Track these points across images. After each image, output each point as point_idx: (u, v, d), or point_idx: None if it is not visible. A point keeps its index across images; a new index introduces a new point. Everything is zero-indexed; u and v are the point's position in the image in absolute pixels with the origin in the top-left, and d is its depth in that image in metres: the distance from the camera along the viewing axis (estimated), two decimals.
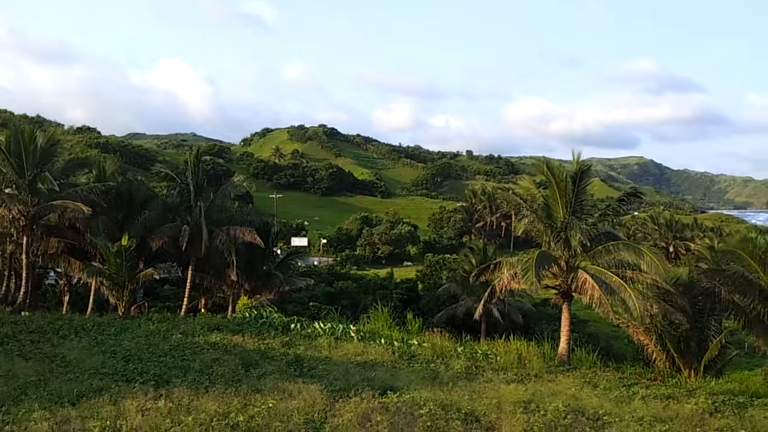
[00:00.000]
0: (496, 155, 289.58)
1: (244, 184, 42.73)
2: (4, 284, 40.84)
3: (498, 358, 20.55)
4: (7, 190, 33.85)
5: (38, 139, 33.68)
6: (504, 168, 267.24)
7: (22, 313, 29.93)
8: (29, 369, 14.67)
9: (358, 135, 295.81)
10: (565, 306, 25.46)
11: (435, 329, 26.81)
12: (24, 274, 33.93)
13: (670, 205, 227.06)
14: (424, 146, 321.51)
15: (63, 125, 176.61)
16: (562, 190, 25.53)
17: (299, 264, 49.26)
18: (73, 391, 11.83)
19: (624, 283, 23.09)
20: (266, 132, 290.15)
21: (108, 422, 8.58)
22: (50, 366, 15.57)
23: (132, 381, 13.70)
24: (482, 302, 29.07)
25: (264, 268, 39.49)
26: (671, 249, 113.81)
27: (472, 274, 31.54)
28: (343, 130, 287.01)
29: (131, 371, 15.30)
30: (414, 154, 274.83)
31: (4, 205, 32.51)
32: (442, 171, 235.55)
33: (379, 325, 26.71)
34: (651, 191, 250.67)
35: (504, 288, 25.96)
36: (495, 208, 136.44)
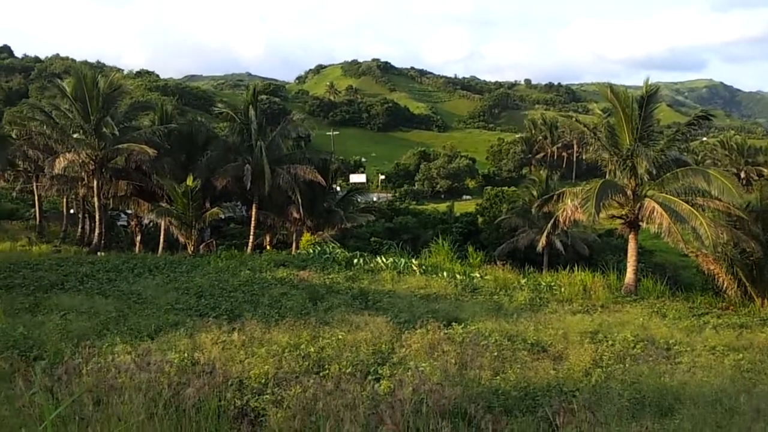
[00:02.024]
0: (555, 83, 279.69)
1: (304, 124, 42.85)
2: (80, 226, 42.86)
3: (562, 289, 20.41)
4: (75, 135, 35.02)
5: (100, 84, 34.48)
6: (564, 96, 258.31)
7: (99, 253, 31.46)
8: (109, 305, 15.42)
9: (412, 68, 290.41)
10: (631, 236, 24.92)
11: (496, 262, 26.74)
12: (97, 216, 35.46)
13: (741, 129, 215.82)
14: (480, 77, 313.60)
15: (123, 70, 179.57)
16: (628, 116, 24.62)
17: (359, 200, 49.66)
18: (151, 326, 12.39)
19: (694, 211, 22.34)
20: (320, 69, 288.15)
21: (186, 354, 8.94)
22: (128, 302, 16.35)
23: (205, 315, 14.22)
24: (545, 234, 28.82)
25: (325, 205, 39.98)
26: (743, 175, 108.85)
27: (534, 206, 31.15)
28: (396, 64, 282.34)
29: (204, 306, 15.92)
30: (470, 86, 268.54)
31: (73, 150, 33.69)
32: (500, 102, 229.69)
33: (441, 259, 26.84)
34: (721, 115, 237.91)
35: (567, 219, 25.56)
36: (556, 138, 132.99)
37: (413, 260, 25.52)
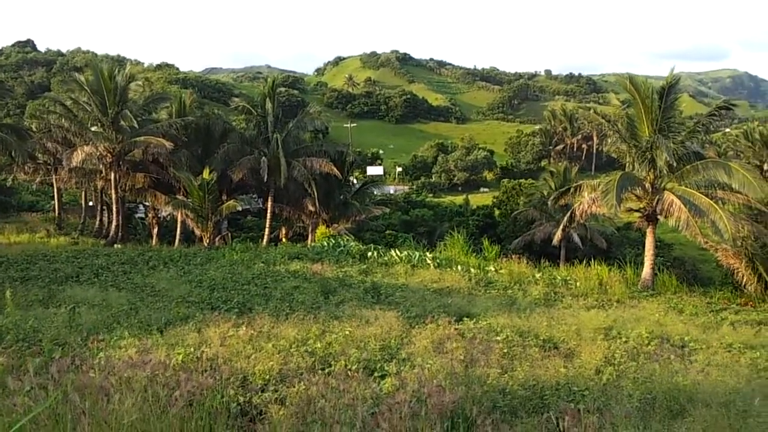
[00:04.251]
0: (576, 74, 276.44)
1: (321, 117, 43.01)
2: (98, 219, 43.27)
3: (578, 284, 20.16)
4: (93, 128, 35.27)
5: (117, 77, 34.62)
6: (585, 87, 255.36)
7: (115, 245, 31.71)
8: (122, 298, 15.47)
9: (431, 59, 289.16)
10: (649, 229, 24.56)
11: (512, 256, 26.51)
12: (114, 209, 35.72)
13: (766, 120, 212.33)
14: (500, 68, 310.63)
15: (143, 63, 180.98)
16: (648, 107, 24.24)
17: (375, 193, 49.54)
18: (162, 319, 12.36)
19: (714, 204, 21.97)
20: (339, 60, 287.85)
21: (192, 349, 8.88)
22: (141, 295, 16.40)
23: (217, 309, 14.19)
24: (561, 227, 28.51)
25: (341, 197, 39.91)
26: (766, 167, 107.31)
27: (551, 198, 30.85)
28: (415, 55, 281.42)
29: (216, 299, 15.90)
30: (489, 76, 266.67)
31: (91, 142, 33.94)
32: (519, 93, 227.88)
33: (456, 252, 26.67)
34: (745, 106, 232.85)
35: (584, 212, 25.28)
36: (576, 130, 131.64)
37: (428, 253, 25.37)
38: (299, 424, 5.51)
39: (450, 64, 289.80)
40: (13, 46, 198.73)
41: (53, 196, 46.99)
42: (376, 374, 8.38)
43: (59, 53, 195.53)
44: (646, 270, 23.52)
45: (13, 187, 54.28)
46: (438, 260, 23.75)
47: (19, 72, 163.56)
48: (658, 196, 23.74)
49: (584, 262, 24.05)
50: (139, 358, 5.75)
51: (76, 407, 4.66)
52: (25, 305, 14.10)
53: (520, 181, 67.31)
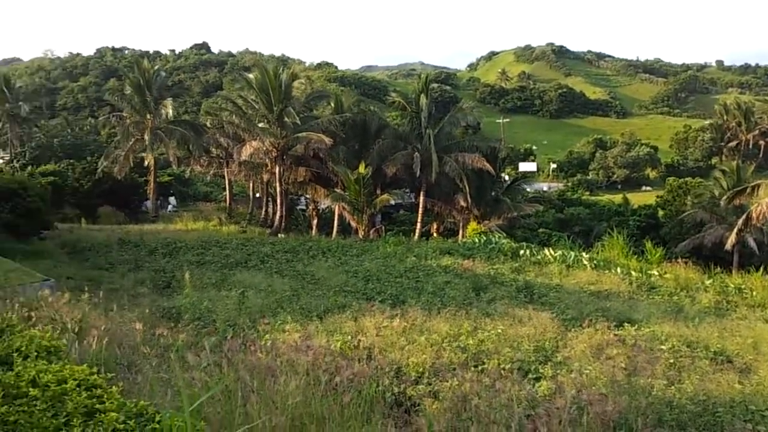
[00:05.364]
0: (752, 64, 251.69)
1: (473, 112, 42.85)
2: (263, 209, 46.16)
3: (754, 293, 18.46)
4: (260, 125, 37.67)
5: (282, 76, 36.70)
6: (762, 78, 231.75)
7: (279, 235, 33.71)
8: (285, 285, 16.45)
9: (590, 51, 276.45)
10: None
11: (678, 259, 24.78)
12: (279, 200, 37.95)
13: None
14: (665, 59, 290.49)
15: (305, 62, 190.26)
16: None
17: (527, 190, 48.42)
18: (321, 307, 12.98)
19: None
20: (492, 55, 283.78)
21: (350, 337, 9.22)
22: (302, 282, 17.34)
23: (371, 299, 14.64)
24: (735, 230, 26.26)
25: (492, 193, 39.49)
26: None
27: (723, 199, 28.49)
28: (572, 47, 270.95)
29: (371, 290, 16.43)
30: (653, 68, 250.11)
31: (258, 138, 36.29)
32: (687, 85, 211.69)
33: (615, 254, 25.44)
34: None
35: (763, 214, 23.07)
36: (752, 125, 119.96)
37: (584, 254, 24.42)
38: (454, 420, 5.52)
39: (609, 56, 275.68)
40: (191, 48, 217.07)
41: (224, 187, 50.79)
42: (530, 376, 8.22)
43: (230, 54, 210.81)
44: None
45: (190, 178, 59.51)
46: (595, 261, 22.80)
47: (196, 72, 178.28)
48: None
49: (761, 269, 21.95)
50: (303, 343, 6.05)
51: (246, 385, 5.01)
52: (201, 287, 15.43)
53: (687, 179, 62.53)
